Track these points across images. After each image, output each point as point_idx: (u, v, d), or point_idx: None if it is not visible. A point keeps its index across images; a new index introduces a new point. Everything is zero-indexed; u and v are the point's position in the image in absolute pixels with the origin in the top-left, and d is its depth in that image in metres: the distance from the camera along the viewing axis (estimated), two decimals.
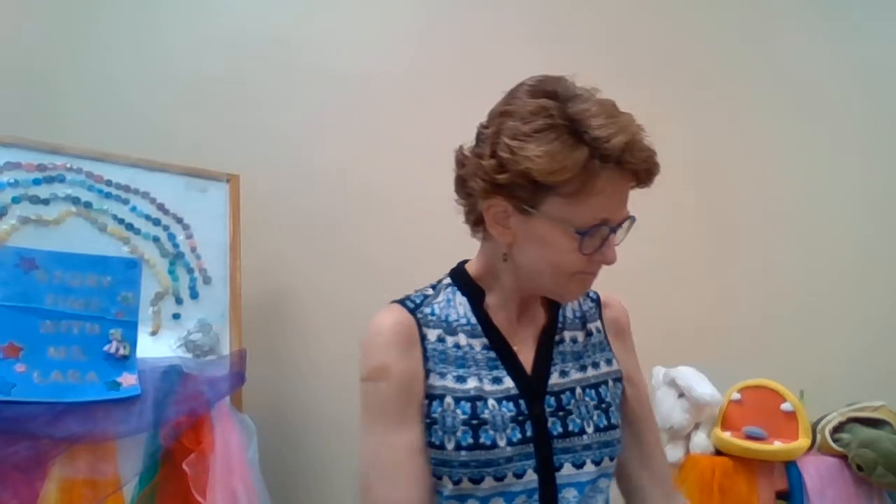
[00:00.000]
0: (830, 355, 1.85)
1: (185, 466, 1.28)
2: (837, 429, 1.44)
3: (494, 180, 0.82)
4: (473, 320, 0.92)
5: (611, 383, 0.95)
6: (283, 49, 1.92)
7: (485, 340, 0.91)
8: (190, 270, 1.53)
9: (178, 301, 1.49)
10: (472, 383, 0.87)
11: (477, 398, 0.86)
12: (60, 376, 1.22)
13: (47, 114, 1.72)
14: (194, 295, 1.52)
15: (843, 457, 1.41)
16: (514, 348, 0.91)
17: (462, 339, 0.90)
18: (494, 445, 0.84)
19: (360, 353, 0.88)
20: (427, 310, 0.91)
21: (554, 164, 0.78)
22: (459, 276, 0.96)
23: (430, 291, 0.95)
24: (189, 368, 1.37)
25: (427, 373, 0.87)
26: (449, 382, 0.87)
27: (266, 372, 1.70)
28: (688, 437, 1.50)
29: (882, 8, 2.06)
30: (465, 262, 0.98)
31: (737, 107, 2.00)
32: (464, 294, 0.94)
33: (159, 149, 1.60)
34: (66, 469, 1.19)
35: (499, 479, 0.85)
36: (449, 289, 0.95)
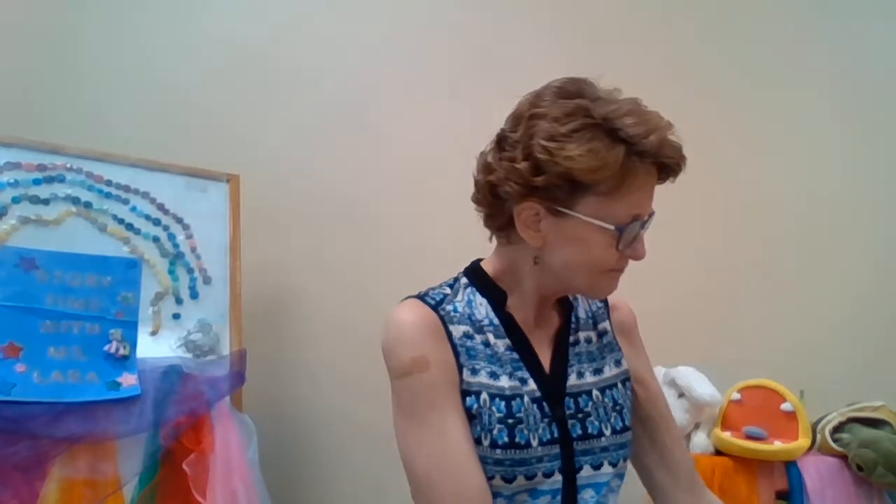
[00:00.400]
0: (830, 355, 1.85)
1: (185, 466, 1.28)
2: (837, 429, 1.44)
3: (530, 183, 0.82)
4: (496, 321, 0.91)
5: (620, 385, 0.96)
6: (284, 49, 1.92)
7: (508, 341, 0.91)
8: (190, 270, 1.53)
9: (178, 301, 1.49)
10: (505, 381, 0.87)
11: (513, 396, 0.87)
12: (60, 376, 1.22)
13: (47, 114, 1.72)
14: (194, 295, 1.52)
15: (843, 457, 1.40)
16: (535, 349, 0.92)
17: (490, 337, 0.90)
18: (528, 445, 0.85)
19: (385, 352, 0.86)
20: (449, 307, 0.90)
21: (596, 162, 0.79)
22: (477, 276, 0.94)
23: (448, 290, 0.93)
24: (189, 368, 1.37)
25: (460, 367, 0.86)
26: (483, 378, 0.87)
27: (266, 372, 1.70)
28: (688, 437, 1.50)
29: (882, 8, 2.06)
30: (479, 260, 0.97)
31: (737, 107, 2.00)
32: (483, 295, 0.93)
33: (159, 149, 1.60)
34: (66, 469, 1.19)
35: (529, 478, 0.85)
36: (468, 289, 0.94)
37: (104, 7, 1.87)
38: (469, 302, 0.92)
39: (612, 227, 0.83)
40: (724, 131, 1.98)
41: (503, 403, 0.86)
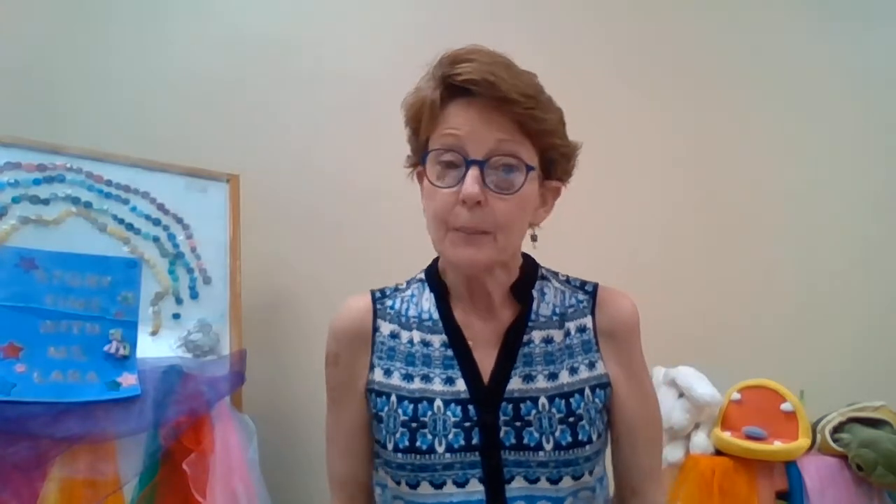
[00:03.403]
0: (830, 355, 1.85)
1: (185, 466, 1.28)
2: (837, 429, 1.44)
3: (410, 146, 0.90)
4: (436, 316, 0.89)
5: (588, 392, 0.86)
6: (283, 49, 1.92)
7: (444, 337, 0.88)
8: (190, 270, 1.53)
9: (178, 301, 1.49)
10: (417, 383, 0.85)
11: (420, 399, 0.84)
12: (60, 376, 1.22)
13: (47, 114, 1.72)
14: (194, 295, 1.52)
15: (843, 457, 1.40)
16: (471, 344, 0.87)
17: (416, 335, 0.89)
18: (431, 450, 0.81)
19: None
20: (389, 302, 0.93)
21: (407, 102, 0.86)
22: (431, 272, 0.94)
23: (403, 285, 0.96)
24: (189, 368, 1.37)
25: (372, 366, 0.88)
26: (395, 380, 0.87)
27: (266, 372, 1.70)
28: (688, 437, 1.50)
29: (883, 8, 2.06)
30: (437, 259, 0.96)
31: (737, 107, 2.00)
32: (432, 290, 0.92)
33: (159, 149, 1.60)
34: (66, 469, 1.18)
35: (436, 486, 0.81)
36: (419, 284, 0.94)
37: (104, 7, 1.87)
38: (413, 297, 0.93)
39: (425, 156, 0.84)
40: (724, 130, 1.98)
41: (410, 406, 0.84)
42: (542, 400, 0.84)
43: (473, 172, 0.79)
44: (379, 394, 0.87)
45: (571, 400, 0.85)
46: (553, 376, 0.86)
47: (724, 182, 1.95)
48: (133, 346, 1.32)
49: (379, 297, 0.94)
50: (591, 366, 0.88)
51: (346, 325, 0.92)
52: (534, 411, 0.84)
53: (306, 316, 1.85)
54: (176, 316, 1.48)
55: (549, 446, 0.82)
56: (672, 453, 1.47)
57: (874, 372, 1.81)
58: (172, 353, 1.42)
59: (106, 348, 1.28)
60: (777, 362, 1.63)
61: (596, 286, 0.94)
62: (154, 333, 1.44)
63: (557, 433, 0.83)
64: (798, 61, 2.01)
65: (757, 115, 2.00)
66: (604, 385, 0.88)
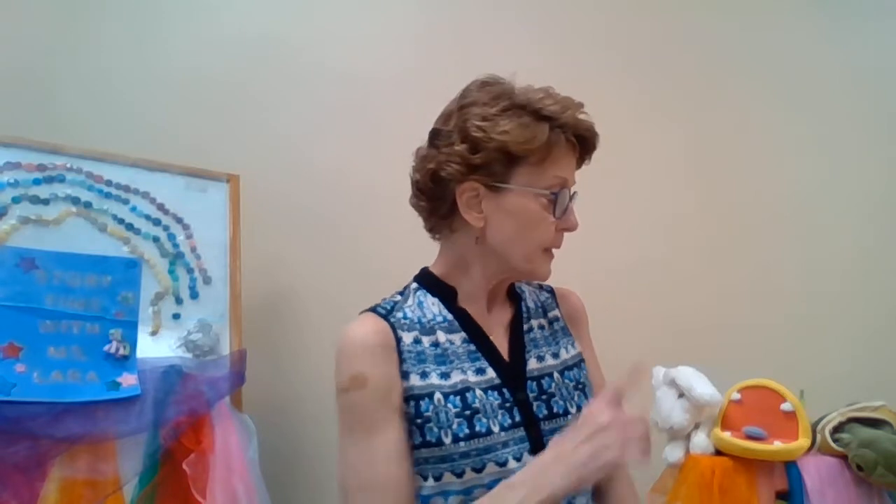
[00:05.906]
0: (830, 355, 1.85)
1: (185, 466, 1.28)
2: (837, 429, 1.44)
3: (469, 162, 0.89)
4: (449, 317, 0.95)
5: (581, 365, 1.02)
6: (283, 49, 1.92)
7: (463, 335, 0.94)
8: (190, 270, 1.53)
9: (178, 301, 1.49)
10: (456, 377, 0.90)
11: (465, 390, 0.89)
12: (60, 376, 1.22)
13: (47, 114, 1.72)
14: (194, 295, 1.52)
15: (843, 457, 1.40)
16: (491, 338, 0.96)
17: (441, 336, 0.93)
18: (490, 432, 0.87)
19: (335, 364, 0.89)
20: (399, 314, 0.94)
21: (526, 133, 0.88)
22: (426, 279, 0.99)
23: (399, 297, 0.97)
24: (189, 368, 1.37)
25: (405, 375, 0.89)
26: (434, 380, 0.89)
27: (266, 372, 1.70)
28: (688, 437, 1.50)
29: (884, 7, 2.05)
30: (426, 268, 1.01)
31: (737, 106, 2.00)
32: (434, 294, 0.97)
33: (159, 149, 1.60)
34: (66, 469, 1.19)
35: (501, 464, 0.86)
36: (418, 292, 0.98)
37: (104, 7, 1.87)
38: (420, 304, 0.96)
39: (546, 192, 0.90)
40: (726, 130, 1.98)
41: (458, 398, 0.88)
42: (556, 374, 0.97)
43: (572, 204, 0.95)
44: (420, 398, 0.87)
45: (574, 371, 1.00)
46: (556, 355, 0.99)
47: (726, 182, 1.95)
48: (133, 346, 1.32)
49: (384, 312, 0.93)
50: (573, 345, 1.04)
51: (367, 341, 0.88)
52: (553, 384, 0.95)
53: (306, 316, 1.85)
54: (176, 316, 1.48)
55: (573, 410, 0.95)
56: (672, 453, 1.47)
57: (874, 372, 1.81)
58: (172, 353, 1.42)
59: (106, 348, 1.29)
60: (777, 362, 1.63)
61: (551, 286, 1.10)
62: (154, 333, 1.44)
63: (576, 398, 0.96)
64: (801, 61, 2.01)
65: (757, 115, 2.00)
66: (582, 361, 1.03)
